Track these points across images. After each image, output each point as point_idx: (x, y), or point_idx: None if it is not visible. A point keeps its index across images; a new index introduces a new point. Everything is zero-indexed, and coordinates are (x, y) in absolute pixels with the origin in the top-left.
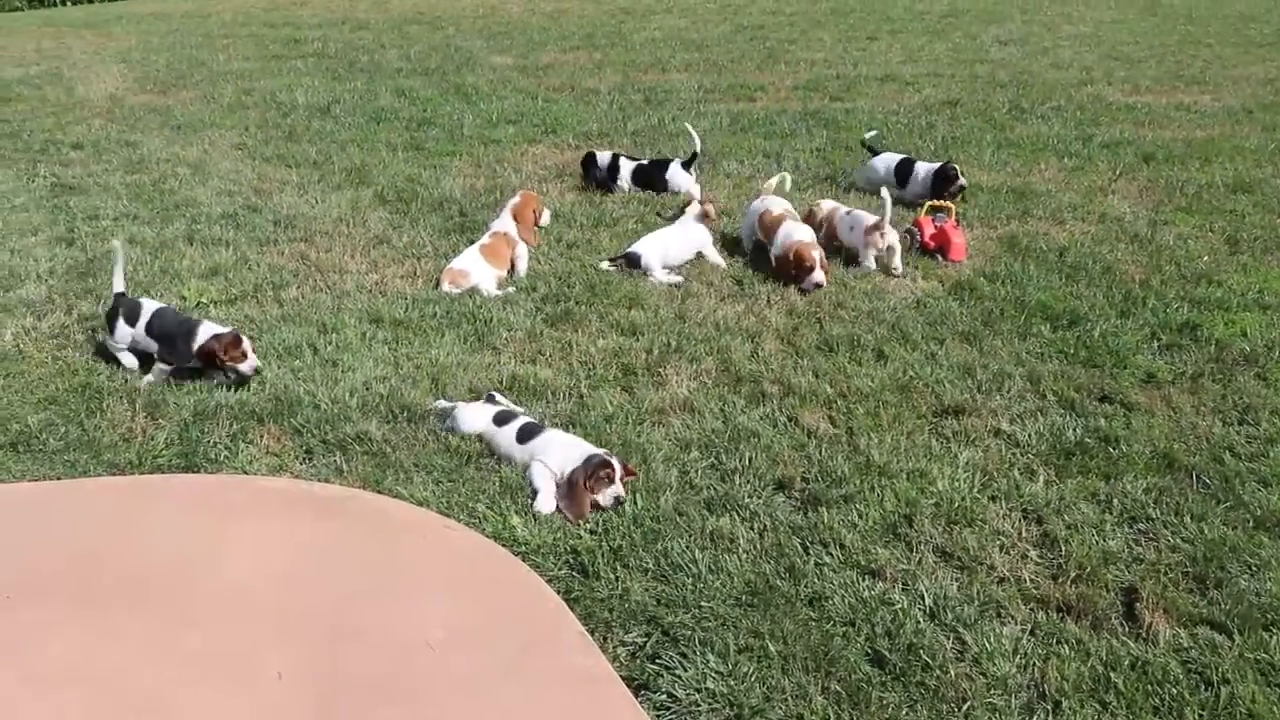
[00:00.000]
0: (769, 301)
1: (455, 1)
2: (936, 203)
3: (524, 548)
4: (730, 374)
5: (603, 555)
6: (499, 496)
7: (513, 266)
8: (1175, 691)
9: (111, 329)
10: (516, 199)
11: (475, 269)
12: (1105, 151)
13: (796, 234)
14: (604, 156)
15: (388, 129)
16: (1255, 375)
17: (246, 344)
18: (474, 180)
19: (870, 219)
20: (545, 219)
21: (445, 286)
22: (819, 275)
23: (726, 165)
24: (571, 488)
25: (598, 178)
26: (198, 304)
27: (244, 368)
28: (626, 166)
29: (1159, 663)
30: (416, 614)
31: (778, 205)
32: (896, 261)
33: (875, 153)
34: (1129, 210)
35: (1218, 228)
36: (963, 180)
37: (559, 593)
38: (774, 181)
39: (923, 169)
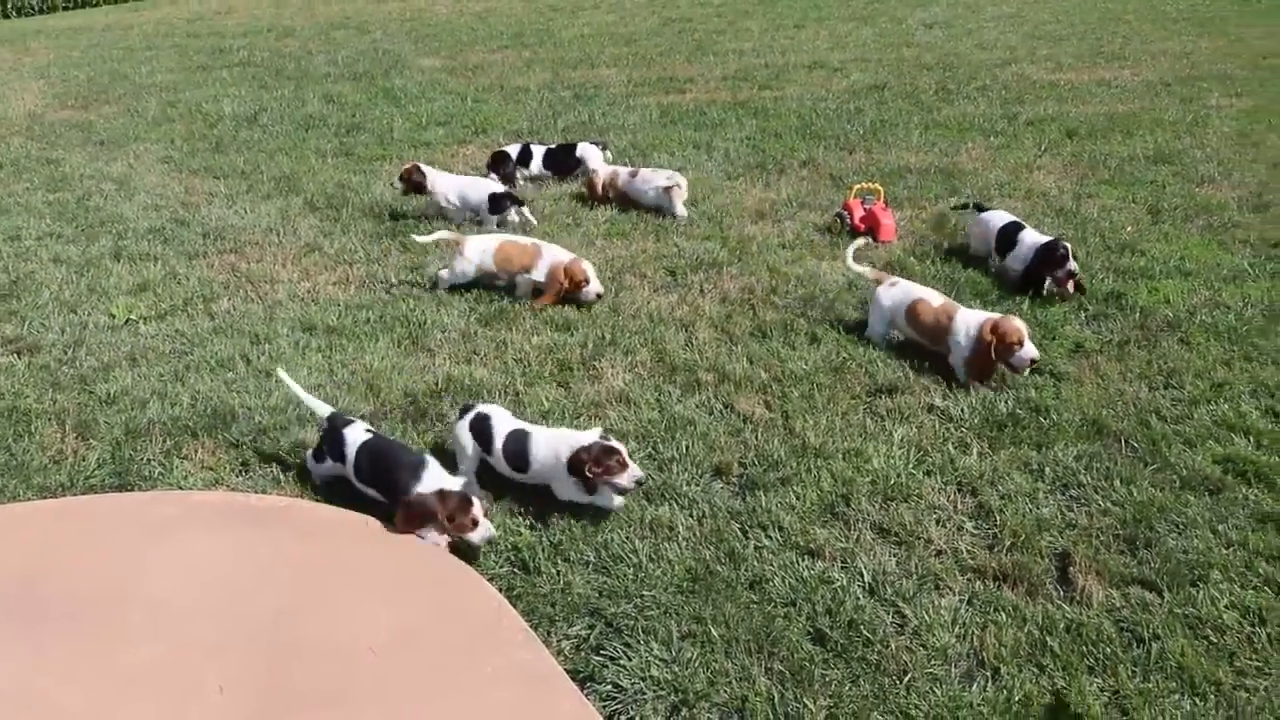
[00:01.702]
0: (702, 290)
1: (382, 4)
2: (865, 185)
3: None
4: (665, 364)
5: (543, 550)
6: None
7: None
8: (1109, 650)
9: (317, 458)
10: (568, 260)
11: (472, 245)
12: (1030, 129)
13: (978, 316)
14: (513, 149)
15: (316, 136)
16: (1179, 340)
17: (478, 508)
18: None
19: (662, 179)
20: (588, 292)
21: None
22: (1031, 348)
23: (657, 158)
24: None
25: (510, 173)
26: (127, 321)
27: (474, 538)
28: (538, 152)
29: (1093, 624)
30: (358, 619)
31: (933, 294)
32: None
33: (982, 209)
34: (1054, 185)
35: (1140, 198)
36: (1074, 265)
37: (501, 590)
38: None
39: (1029, 239)
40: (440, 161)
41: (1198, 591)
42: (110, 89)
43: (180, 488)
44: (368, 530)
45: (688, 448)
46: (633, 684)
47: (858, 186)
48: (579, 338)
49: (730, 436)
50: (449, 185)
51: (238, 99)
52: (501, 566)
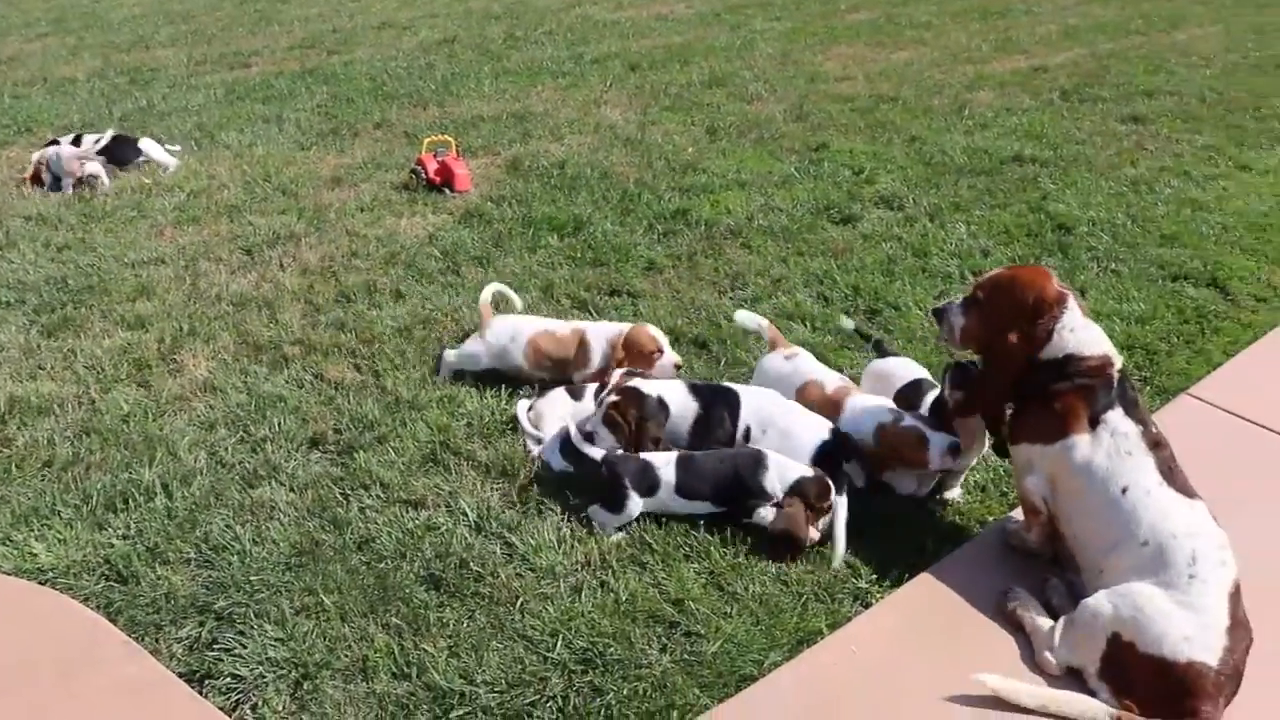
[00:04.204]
0: (281, 265)
1: None
2: (436, 138)
3: (52, 573)
4: (249, 345)
5: (139, 556)
6: (13, 528)
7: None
8: (700, 537)
9: None
10: (627, 328)
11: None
12: (595, 66)
13: (882, 415)
14: (67, 139)
15: None
16: (740, 245)
17: None
18: None
19: (73, 151)
20: (664, 364)
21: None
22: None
23: (225, 136)
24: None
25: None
26: None
27: None
28: (88, 141)
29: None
30: None
31: (828, 375)
32: (102, 177)
33: (884, 351)
34: (620, 117)
35: (698, 121)
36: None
37: (98, 608)
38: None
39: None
40: None
41: None
42: None
43: None
44: None
45: (280, 424)
46: (252, 671)
47: (429, 140)
48: (155, 333)
49: (323, 405)
50: None
51: None
52: (97, 584)
